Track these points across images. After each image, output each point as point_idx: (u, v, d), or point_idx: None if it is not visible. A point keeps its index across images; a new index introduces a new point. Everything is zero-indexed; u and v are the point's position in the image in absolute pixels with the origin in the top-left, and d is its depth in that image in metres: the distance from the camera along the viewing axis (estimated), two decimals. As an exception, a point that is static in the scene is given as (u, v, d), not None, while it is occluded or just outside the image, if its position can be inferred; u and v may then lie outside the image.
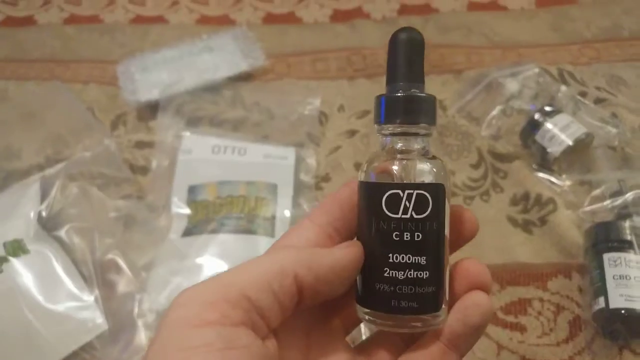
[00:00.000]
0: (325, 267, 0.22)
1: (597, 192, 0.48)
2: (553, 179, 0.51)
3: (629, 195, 0.47)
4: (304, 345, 0.24)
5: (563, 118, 0.51)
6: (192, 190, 0.50)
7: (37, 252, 0.43)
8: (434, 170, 0.23)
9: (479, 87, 0.58)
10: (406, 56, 0.23)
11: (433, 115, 0.24)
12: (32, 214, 0.46)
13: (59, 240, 0.45)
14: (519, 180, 0.51)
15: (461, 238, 0.25)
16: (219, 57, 0.61)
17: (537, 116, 0.52)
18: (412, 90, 0.23)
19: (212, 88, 0.59)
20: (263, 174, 0.51)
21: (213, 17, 0.69)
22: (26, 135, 0.54)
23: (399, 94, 0.23)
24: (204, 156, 0.52)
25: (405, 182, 0.23)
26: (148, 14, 0.70)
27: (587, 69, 0.60)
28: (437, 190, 0.23)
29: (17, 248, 0.44)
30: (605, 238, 0.42)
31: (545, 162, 0.52)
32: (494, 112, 0.55)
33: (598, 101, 0.57)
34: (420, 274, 0.22)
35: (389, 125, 0.24)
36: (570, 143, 0.50)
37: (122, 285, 0.43)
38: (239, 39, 0.63)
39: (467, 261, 0.24)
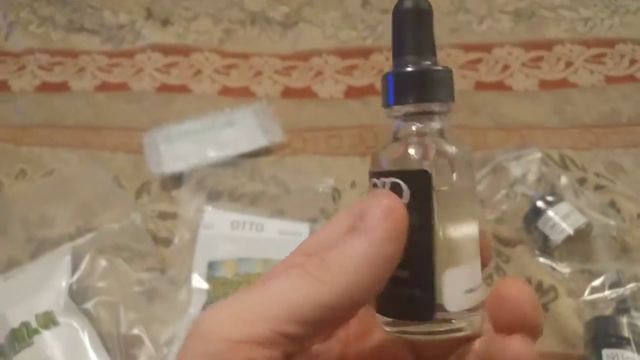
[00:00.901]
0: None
1: (597, 282, 0.51)
2: (554, 266, 0.54)
3: (627, 289, 0.49)
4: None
5: (564, 207, 0.54)
6: (212, 266, 0.53)
7: (66, 324, 0.46)
8: (459, 153, 0.21)
9: (484, 170, 0.61)
10: (413, 26, 0.21)
11: (451, 90, 0.21)
12: (63, 286, 0.49)
13: (86, 313, 0.48)
14: (521, 265, 0.54)
15: None
16: (240, 132, 0.65)
17: (539, 204, 0.55)
18: (424, 63, 0.21)
19: (233, 161, 0.62)
20: (278, 251, 0.53)
21: (234, 88, 0.73)
22: (59, 203, 0.58)
23: (409, 69, 0.21)
24: (224, 231, 0.55)
25: (384, 169, 0.21)
26: (173, 82, 0.74)
27: (587, 154, 0.63)
28: (417, 179, 0.20)
29: (48, 320, 0.46)
30: (604, 333, 0.45)
31: (546, 248, 0.54)
32: (499, 196, 0.59)
33: (597, 188, 0.60)
34: (402, 274, 0.20)
35: (400, 107, 0.21)
36: (571, 232, 0.53)
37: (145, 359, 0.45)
38: (259, 113, 0.67)
39: (509, 282, 0.20)
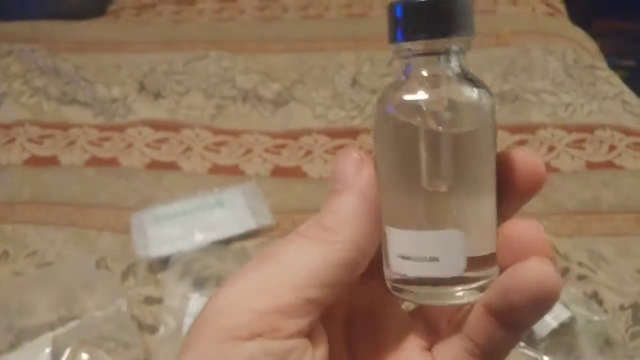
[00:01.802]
0: None
1: (581, 380, 0.51)
2: (540, 359, 0.54)
3: (611, 389, 0.49)
4: (344, 330, 0.21)
5: (548, 300, 0.55)
6: (197, 357, 0.52)
7: None
8: (477, 102, 0.18)
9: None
10: None
11: (470, 21, 0.18)
12: (41, 383, 0.47)
13: (65, 413, 0.46)
14: (507, 358, 0.54)
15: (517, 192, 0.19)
16: (228, 214, 0.65)
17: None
18: None
19: (221, 244, 0.62)
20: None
21: (224, 166, 0.74)
22: (40, 289, 0.57)
23: None
24: (210, 321, 0.55)
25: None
26: (163, 158, 0.75)
27: (569, 242, 0.65)
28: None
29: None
30: None
31: (531, 342, 0.55)
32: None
33: (580, 278, 0.61)
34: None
35: (409, 43, 0.18)
36: (555, 326, 0.53)
37: None
38: (248, 195, 0.67)
39: (515, 222, 0.19)
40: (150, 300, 0.58)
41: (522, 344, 0.55)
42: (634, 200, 0.70)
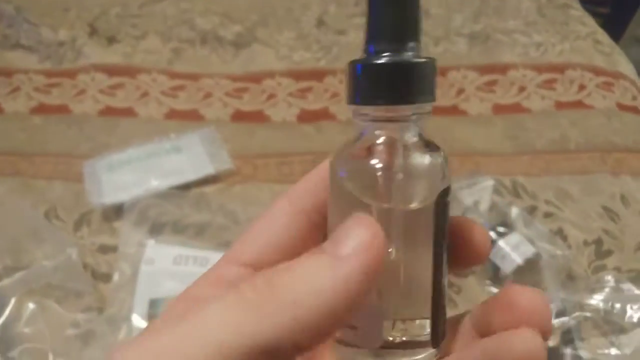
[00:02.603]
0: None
1: (544, 314, 0.51)
2: (504, 296, 0.54)
3: (572, 318, 0.49)
4: None
5: (514, 237, 0.54)
6: (154, 304, 0.50)
7: (-13, 377, 0.43)
8: (431, 172, 0.17)
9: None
10: (394, 2, 0.16)
11: (432, 87, 0.17)
12: (-15, 335, 0.45)
13: (11, 363, 0.44)
14: (472, 296, 0.54)
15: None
16: (186, 159, 0.62)
17: (490, 234, 0.55)
18: (403, 54, 0.16)
19: (178, 190, 0.60)
20: (225, 287, 0.52)
21: (182, 111, 0.71)
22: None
23: (384, 59, 0.16)
24: (166, 267, 0.52)
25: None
26: (118, 105, 0.71)
27: (537, 181, 0.64)
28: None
29: (-33, 373, 0.43)
30: (551, 368, 0.45)
31: (497, 279, 0.54)
32: (450, 225, 0.58)
33: (547, 215, 0.60)
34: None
35: (368, 107, 0.17)
36: (520, 262, 0.53)
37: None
38: (206, 140, 0.64)
39: (519, 290, 0.17)
40: (104, 249, 0.55)
41: (487, 281, 0.55)
42: (601, 139, 0.69)
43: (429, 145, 0.17)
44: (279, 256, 0.18)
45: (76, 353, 0.46)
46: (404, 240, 0.17)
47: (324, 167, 0.19)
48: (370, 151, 0.17)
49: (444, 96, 0.74)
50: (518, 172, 0.64)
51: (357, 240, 0.14)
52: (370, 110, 0.17)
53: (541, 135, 0.70)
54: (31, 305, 0.47)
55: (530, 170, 0.65)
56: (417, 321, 0.17)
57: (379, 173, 0.17)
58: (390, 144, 0.17)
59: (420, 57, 0.16)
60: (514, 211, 0.58)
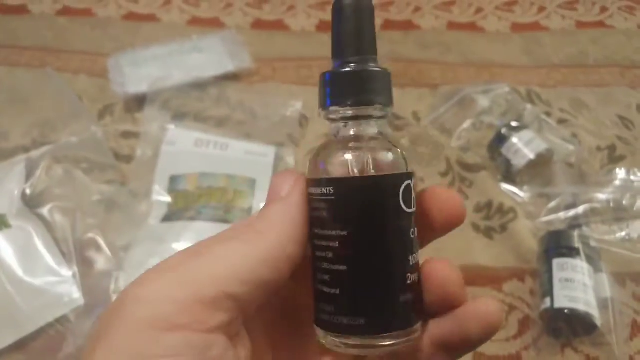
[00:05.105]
0: None
1: (553, 204, 0.52)
2: (515, 190, 0.55)
3: (581, 208, 0.50)
4: (269, 336, 0.21)
5: (527, 134, 0.55)
6: (174, 180, 0.52)
7: (19, 227, 0.45)
8: (394, 159, 0.20)
9: (452, 101, 0.61)
10: (354, 23, 0.20)
11: (389, 94, 0.21)
12: (16, 192, 0.47)
13: (41, 218, 0.47)
14: (484, 189, 0.55)
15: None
16: (207, 57, 0.63)
17: (504, 130, 0.56)
18: (364, 65, 0.20)
19: (199, 86, 0.61)
20: (243, 168, 0.53)
21: (204, 19, 0.72)
22: (14, 119, 0.56)
23: (348, 69, 0.20)
24: (187, 148, 0.54)
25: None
26: (141, 11, 0.72)
27: (553, 92, 0.64)
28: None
29: (0, 222, 0.45)
30: (556, 245, 0.46)
31: (509, 174, 0.55)
32: (465, 125, 0.59)
33: (561, 121, 0.61)
34: (418, 277, 0.20)
35: (337, 108, 0.20)
36: (532, 157, 0.54)
37: (101, 263, 0.44)
38: (228, 41, 0.65)
39: (433, 263, 0.20)
40: (127, 135, 0.57)
41: (499, 177, 0.56)
42: (621, 56, 0.69)
43: (390, 142, 0.21)
44: None
45: (100, 215, 0.48)
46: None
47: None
48: (343, 145, 0.20)
49: (462, 14, 0.75)
50: (534, 83, 0.65)
51: (285, 183, 0.21)
52: (340, 110, 0.20)
53: (559, 51, 0.70)
54: (60, 171, 0.49)
55: (546, 82, 0.66)
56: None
57: (351, 160, 0.20)
58: (359, 138, 0.20)
59: (377, 68, 0.20)
60: (529, 111, 0.58)
